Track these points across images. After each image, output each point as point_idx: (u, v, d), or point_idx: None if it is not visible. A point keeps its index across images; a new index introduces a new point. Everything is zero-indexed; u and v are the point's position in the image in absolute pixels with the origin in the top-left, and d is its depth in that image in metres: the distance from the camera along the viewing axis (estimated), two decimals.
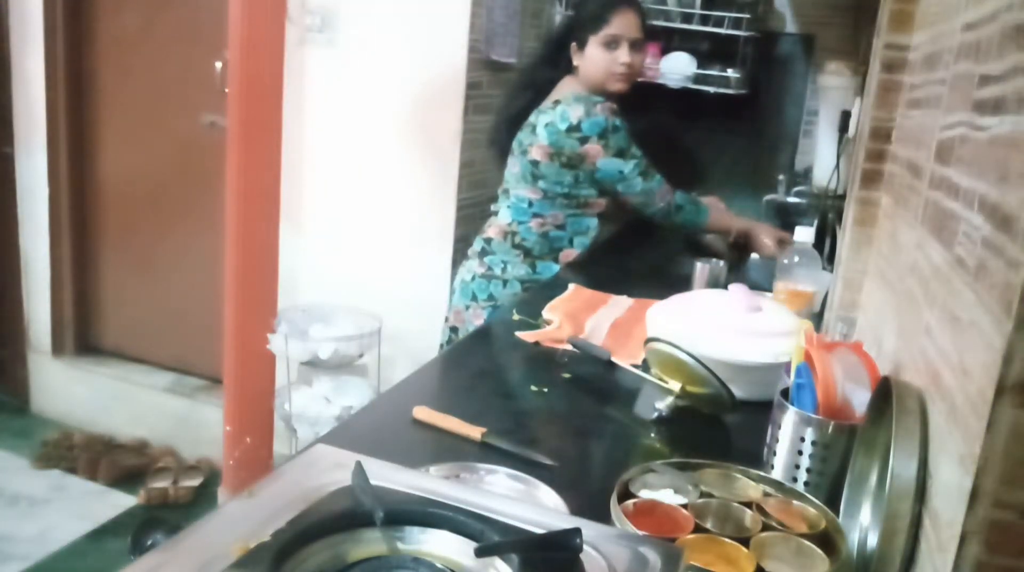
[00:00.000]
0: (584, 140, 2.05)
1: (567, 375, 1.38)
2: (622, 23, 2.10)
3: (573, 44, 2.14)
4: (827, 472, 0.95)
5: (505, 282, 2.13)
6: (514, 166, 2.18)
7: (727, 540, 0.79)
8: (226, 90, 2.50)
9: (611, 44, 2.09)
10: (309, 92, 2.80)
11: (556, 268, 2.12)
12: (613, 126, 2.05)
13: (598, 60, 2.11)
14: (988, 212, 0.63)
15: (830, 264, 1.66)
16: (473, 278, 2.16)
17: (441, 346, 2.27)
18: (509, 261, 2.13)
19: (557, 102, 2.10)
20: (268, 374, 2.67)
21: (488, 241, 2.18)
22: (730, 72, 2.32)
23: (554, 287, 1.89)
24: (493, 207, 2.24)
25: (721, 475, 0.93)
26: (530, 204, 2.12)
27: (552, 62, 2.19)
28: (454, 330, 2.20)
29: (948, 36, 0.90)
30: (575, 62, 2.15)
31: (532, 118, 2.15)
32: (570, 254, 2.14)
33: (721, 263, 1.87)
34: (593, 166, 2.07)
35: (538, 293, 1.87)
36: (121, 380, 3.33)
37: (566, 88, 2.15)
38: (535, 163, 2.09)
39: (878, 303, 1.15)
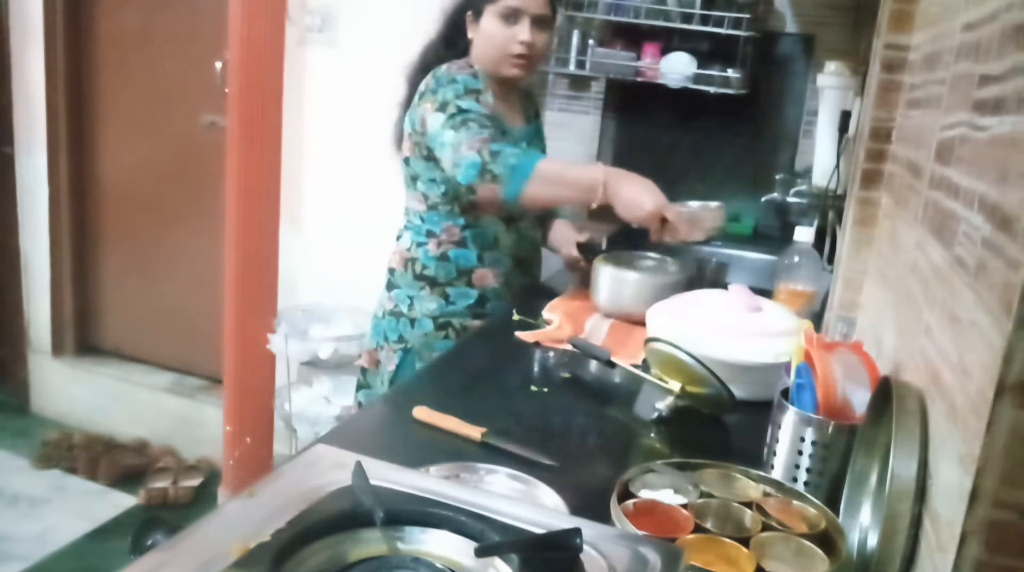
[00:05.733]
0: (421, 104, 1.70)
1: (567, 375, 1.38)
2: None
3: (469, 13, 1.75)
4: (827, 472, 0.95)
5: (413, 321, 1.76)
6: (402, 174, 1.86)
7: (727, 540, 0.79)
8: (226, 90, 2.50)
9: (510, 17, 1.69)
10: (309, 92, 2.80)
11: (474, 294, 1.76)
12: (450, 79, 1.67)
13: (494, 35, 1.70)
14: (988, 212, 0.63)
15: (830, 264, 1.66)
16: (384, 315, 1.82)
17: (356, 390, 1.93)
18: (414, 296, 1.77)
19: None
20: (268, 374, 2.68)
21: (392, 271, 1.84)
22: (730, 72, 2.31)
23: (553, 287, 1.89)
24: (397, 232, 1.88)
25: (721, 475, 0.93)
26: (421, 219, 1.78)
27: (448, 42, 1.82)
28: (363, 372, 1.87)
29: (948, 36, 0.90)
30: (470, 35, 1.76)
31: None
32: (485, 275, 1.77)
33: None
34: (428, 134, 1.68)
35: (538, 293, 1.87)
36: (121, 380, 3.33)
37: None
38: (407, 161, 1.78)
39: (878, 303, 1.15)
